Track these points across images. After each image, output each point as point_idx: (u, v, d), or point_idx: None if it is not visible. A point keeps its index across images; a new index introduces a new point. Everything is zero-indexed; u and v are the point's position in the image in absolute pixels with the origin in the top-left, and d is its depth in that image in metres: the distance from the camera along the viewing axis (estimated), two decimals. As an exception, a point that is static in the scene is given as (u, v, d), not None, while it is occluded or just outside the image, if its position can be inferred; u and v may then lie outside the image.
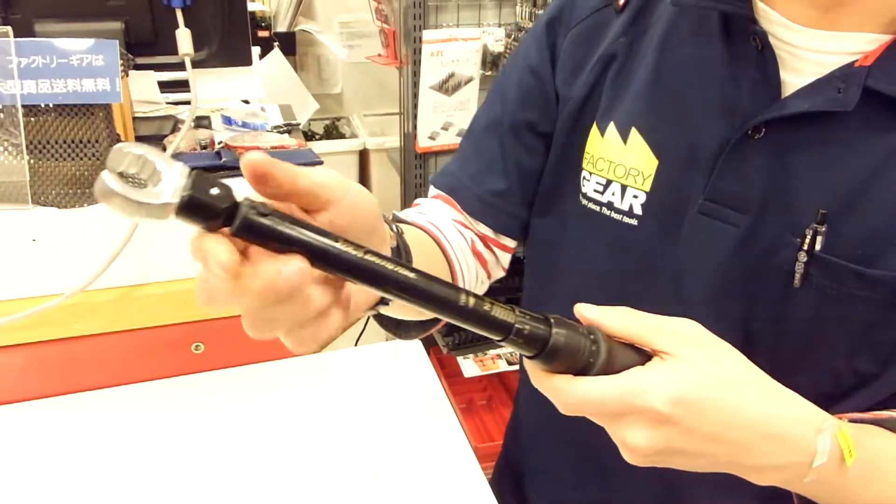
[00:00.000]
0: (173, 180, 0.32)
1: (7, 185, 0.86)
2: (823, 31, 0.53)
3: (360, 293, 0.41)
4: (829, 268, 0.53)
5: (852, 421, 0.50)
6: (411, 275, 0.37)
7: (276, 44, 2.41)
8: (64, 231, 0.89)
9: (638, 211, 0.63)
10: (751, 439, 0.44)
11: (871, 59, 0.51)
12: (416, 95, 1.81)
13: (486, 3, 1.84)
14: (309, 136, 2.70)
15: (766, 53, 0.55)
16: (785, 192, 0.55)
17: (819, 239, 0.53)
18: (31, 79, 0.86)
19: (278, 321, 0.36)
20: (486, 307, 0.39)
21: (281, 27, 2.70)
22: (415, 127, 1.84)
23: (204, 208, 0.33)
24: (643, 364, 0.44)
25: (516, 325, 0.40)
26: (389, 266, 0.36)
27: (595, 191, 0.65)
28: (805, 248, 0.54)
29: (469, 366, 1.97)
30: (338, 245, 0.35)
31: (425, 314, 0.58)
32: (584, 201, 0.67)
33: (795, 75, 0.54)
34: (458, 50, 1.76)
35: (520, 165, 0.71)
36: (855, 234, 0.52)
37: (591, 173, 0.66)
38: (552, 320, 0.42)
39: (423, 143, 1.86)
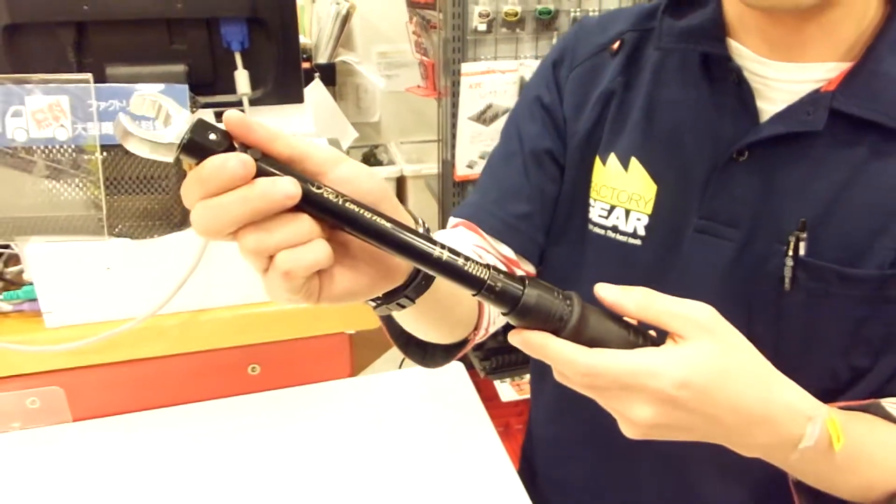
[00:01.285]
0: (180, 125, 0.38)
1: (86, 218, 0.94)
2: (790, 63, 0.60)
3: (371, 261, 0.44)
4: (814, 270, 0.60)
5: (845, 409, 0.54)
6: (387, 224, 0.41)
7: (317, 75, 2.49)
8: (136, 260, 0.96)
9: (641, 232, 0.69)
10: (746, 422, 0.47)
11: (833, 85, 0.58)
12: (454, 125, 1.87)
13: (524, 35, 1.89)
14: (348, 163, 2.76)
15: (743, 86, 0.62)
16: (770, 205, 0.62)
17: (802, 245, 0.60)
18: (109, 121, 0.94)
19: (232, 212, 0.37)
20: (461, 262, 0.43)
21: (321, 58, 2.78)
22: (453, 156, 1.90)
23: (202, 149, 0.38)
24: (628, 338, 0.46)
25: (488, 282, 0.43)
26: (366, 213, 0.40)
27: (600, 216, 0.72)
28: (791, 253, 0.60)
29: (506, 390, 2.01)
30: (315, 188, 0.39)
31: (443, 330, 0.63)
32: (591, 227, 0.73)
33: (770, 103, 0.62)
34: (496, 82, 1.82)
35: (542, 191, 0.76)
36: (834, 238, 0.59)
37: (596, 200, 0.72)
38: (527, 281, 0.45)
39: (461, 171, 1.92)
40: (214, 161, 0.37)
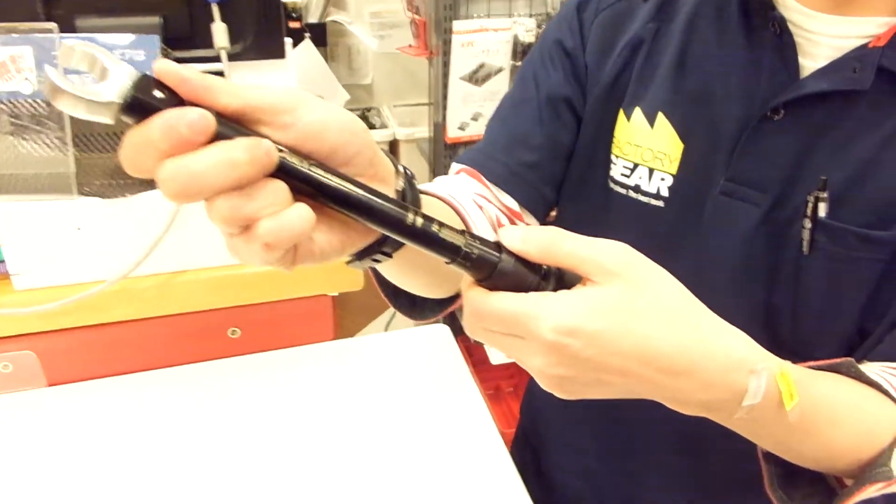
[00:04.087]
0: (120, 81, 0.32)
1: (54, 176, 0.90)
2: (837, 17, 0.55)
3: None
4: (834, 233, 0.56)
5: (814, 368, 0.50)
6: (357, 189, 0.38)
7: (307, 35, 2.43)
8: (107, 220, 0.93)
9: (665, 193, 0.65)
10: (666, 373, 0.41)
11: (883, 41, 0.54)
12: (445, 86, 1.82)
13: (517, -8, 1.84)
14: (340, 126, 2.72)
15: (785, 38, 0.57)
16: (802, 169, 0.58)
17: (822, 206, 0.56)
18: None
19: (212, 179, 0.33)
20: (435, 228, 0.40)
21: (312, 18, 2.71)
22: (444, 117, 1.86)
23: (148, 110, 0.33)
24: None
25: (464, 249, 0.40)
26: (334, 179, 0.37)
27: (622, 174, 0.67)
28: (809, 214, 0.57)
29: (496, 352, 1.99)
30: (281, 153, 0.36)
31: (431, 284, 0.60)
32: (612, 185, 0.69)
33: (811, 59, 0.57)
34: (489, 40, 1.77)
35: (554, 140, 0.71)
36: (862, 201, 0.56)
37: (618, 157, 0.68)
38: (504, 247, 0.42)
39: (452, 133, 1.88)
40: (169, 116, 0.32)
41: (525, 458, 0.93)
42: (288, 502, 0.83)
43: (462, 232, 0.41)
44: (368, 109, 2.83)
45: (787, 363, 0.46)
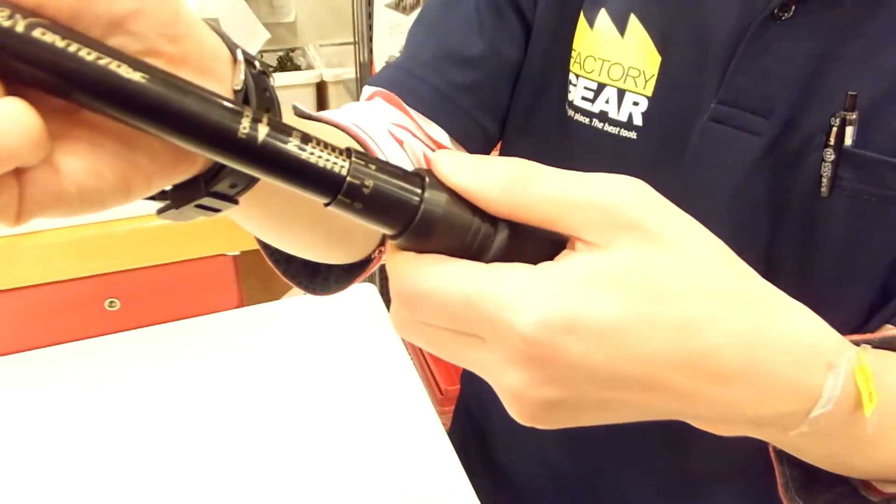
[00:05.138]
0: None
1: None
2: None
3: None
4: (863, 166, 0.44)
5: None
6: (134, 74, 0.21)
7: (219, -33, 2.20)
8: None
9: (638, 121, 0.51)
10: (706, 379, 0.26)
11: None
12: (370, 16, 1.64)
13: None
14: (262, 69, 2.53)
15: None
16: (819, 85, 0.44)
17: (849, 130, 0.43)
18: None
19: None
20: (293, 143, 0.23)
21: (225, -51, 2.47)
22: (370, 50, 1.68)
23: None
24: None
25: (349, 178, 0.24)
26: (81, 52, 0.21)
27: (584, 98, 0.52)
28: (832, 142, 0.43)
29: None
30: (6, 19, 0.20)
31: (326, 244, 0.44)
32: (571, 112, 0.54)
33: None
34: (415, -39, 1.59)
35: (496, 53, 0.55)
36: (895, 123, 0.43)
37: (578, 76, 0.53)
38: (426, 179, 0.25)
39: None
40: None
41: (465, 435, 0.79)
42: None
43: (346, 151, 0.24)
44: (293, 50, 2.65)
45: (864, 349, 0.31)
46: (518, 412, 0.27)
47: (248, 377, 0.84)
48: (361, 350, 0.90)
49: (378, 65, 1.70)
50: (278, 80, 2.38)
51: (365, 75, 1.76)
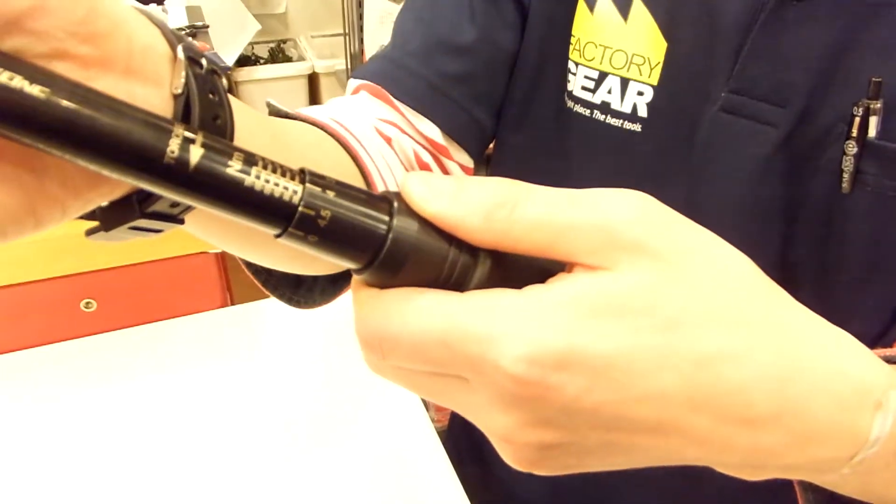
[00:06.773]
0: None
1: None
2: None
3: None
4: (889, 160, 0.41)
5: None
6: (33, 88, 0.18)
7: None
8: None
9: (643, 113, 0.47)
10: (733, 423, 0.23)
11: None
12: (361, 5, 1.60)
13: None
14: (252, 60, 2.48)
15: None
16: (839, 72, 0.41)
17: (873, 121, 0.39)
18: None
19: None
20: (234, 166, 0.20)
21: (214, -61, 2.43)
22: (361, 41, 1.64)
23: None
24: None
25: (302, 209, 0.20)
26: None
27: (584, 88, 0.49)
28: (854, 133, 0.40)
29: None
30: None
31: (302, 258, 0.40)
32: (570, 103, 0.50)
33: None
34: (406, -52, 1.55)
35: (490, 41, 0.51)
36: None
37: (578, 64, 0.49)
38: (394, 204, 0.22)
39: (371, 60, 1.67)
40: None
41: (460, 448, 0.75)
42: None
43: (300, 173, 0.21)
44: (284, 41, 2.61)
45: None
46: (511, 457, 0.23)
47: (232, 380, 0.81)
48: (354, 351, 0.86)
49: (369, 55, 1.66)
50: (270, 72, 2.34)
51: (356, 66, 1.72)
